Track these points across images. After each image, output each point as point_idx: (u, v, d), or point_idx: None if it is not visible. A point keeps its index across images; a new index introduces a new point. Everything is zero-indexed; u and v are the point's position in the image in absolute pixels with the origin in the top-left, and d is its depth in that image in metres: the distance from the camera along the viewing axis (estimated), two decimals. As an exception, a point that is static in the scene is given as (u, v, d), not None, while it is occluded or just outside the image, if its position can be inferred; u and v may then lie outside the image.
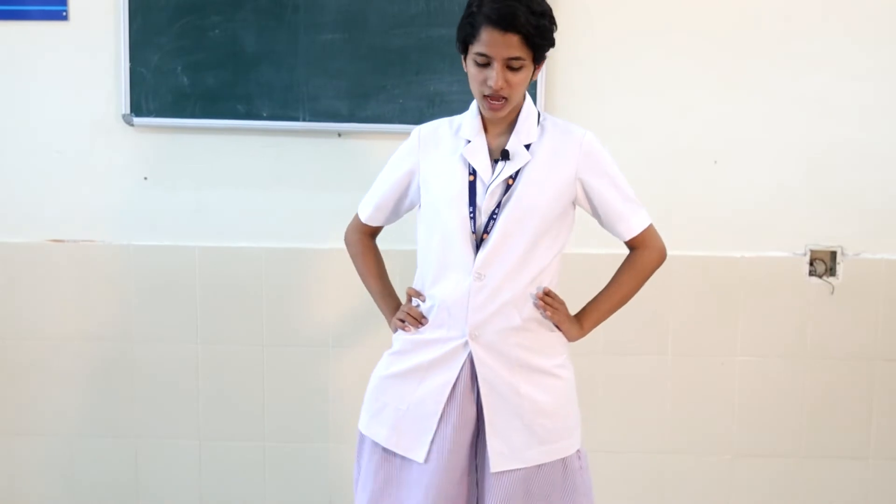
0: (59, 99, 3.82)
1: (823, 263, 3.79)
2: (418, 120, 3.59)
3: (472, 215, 2.61)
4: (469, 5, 2.55)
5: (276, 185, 3.84)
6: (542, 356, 2.67)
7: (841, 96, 3.73)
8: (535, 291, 2.65)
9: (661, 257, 2.78)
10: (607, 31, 3.73)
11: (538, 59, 2.57)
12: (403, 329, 2.74)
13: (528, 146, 2.64)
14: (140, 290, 3.88)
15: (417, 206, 2.80)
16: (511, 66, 2.51)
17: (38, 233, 3.87)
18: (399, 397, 2.71)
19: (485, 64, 2.52)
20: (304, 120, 3.76)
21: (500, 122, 2.66)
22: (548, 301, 2.65)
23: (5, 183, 3.87)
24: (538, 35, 2.51)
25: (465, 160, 2.64)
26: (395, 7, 3.68)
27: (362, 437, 2.80)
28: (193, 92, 3.75)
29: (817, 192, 3.78)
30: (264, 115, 3.76)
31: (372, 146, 3.79)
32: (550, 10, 2.55)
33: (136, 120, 3.76)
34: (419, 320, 2.70)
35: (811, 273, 3.80)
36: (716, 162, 3.77)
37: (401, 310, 2.77)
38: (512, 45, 2.48)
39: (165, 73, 3.73)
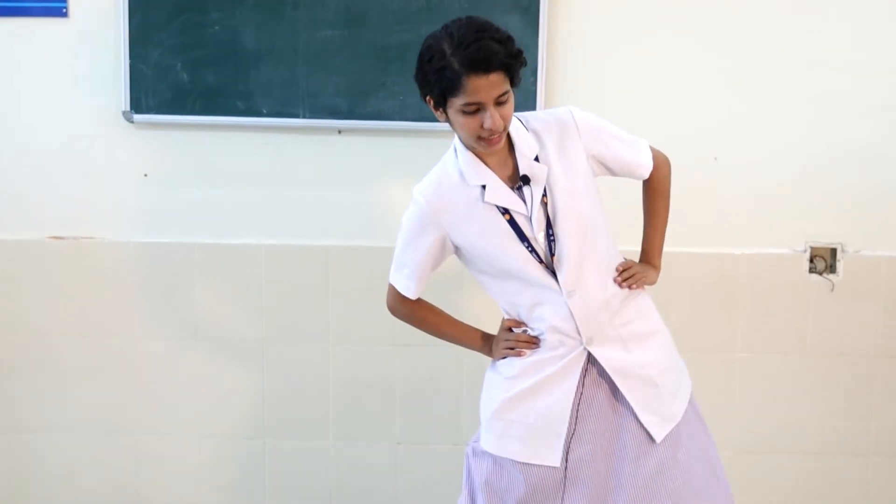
0: (58, 96, 3.82)
1: (824, 260, 3.79)
2: (419, 116, 3.70)
3: (530, 248, 2.60)
4: (430, 57, 2.48)
5: (276, 182, 3.84)
6: (640, 321, 2.74)
7: (841, 94, 3.73)
8: (610, 268, 2.72)
9: (669, 165, 2.86)
10: (608, 29, 3.73)
11: (515, 82, 2.53)
12: (518, 356, 2.73)
13: (536, 158, 2.63)
14: (140, 287, 3.89)
15: (455, 253, 2.77)
16: (500, 101, 2.47)
17: (38, 230, 3.89)
18: (525, 413, 2.71)
19: (474, 111, 2.47)
20: (304, 117, 3.76)
21: (496, 152, 2.62)
22: (626, 277, 2.73)
23: (5, 180, 3.88)
24: (515, 62, 2.48)
25: (490, 205, 2.62)
26: (395, 4, 3.68)
27: (482, 455, 2.79)
28: (193, 89, 3.75)
29: (817, 189, 3.78)
30: (264, 111, 3.76)
31: (372, 143, 3.79)
32: (508, 32, 2.51)
33: (136, 117, 3.77)
34: (532, 342, 2.71)
35: (811, 270, 3.80)
36: (716, 159, 3.78)
37: (505, 339, 2.76)
38: (496, 83, 2.44)
39: (165, 69, 3.73)
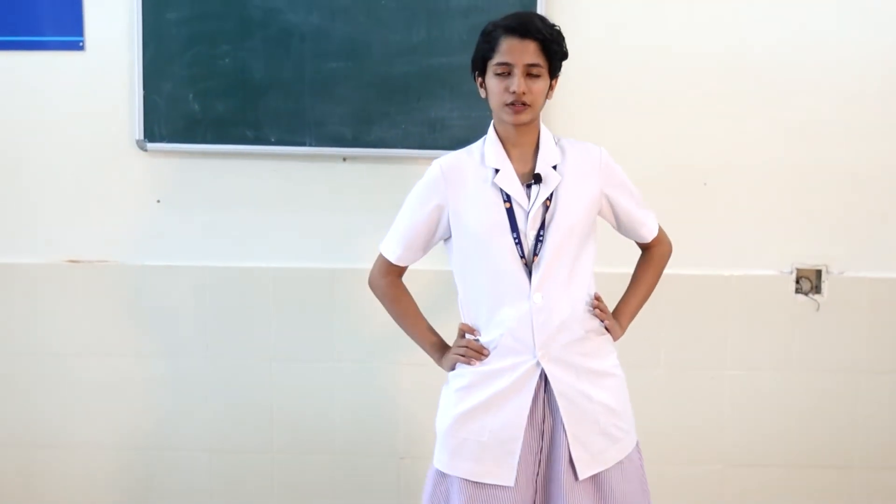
0: (75, 125, 3.84)
1: (809, 281, 3.80)
2: (420, 144, 3.72)
3: (517, 241, 2.61)
4: (484, 30, 2.63)
5: (284, 207, 3.85)
6: (599, 359, 2.71)
7: (825, 121, 3.75)
8: (587, 300, 2.70)
9: (671, 249, 2.91)
10: (604, 58, 3.76)
11: (553, 70, 2.62)
12: (467, 363, 2.70)
13: (554, 167, 2.67)
14: (152, 308, 3.91)
15: (444, 239, 2.77)
16: (531, 72, 2.55)
17: (56, 254, 3.89)
18: (479, 430, 2.67)
19: (506, 73, 2.57)
20: (310, 145, 3.77)
21: (523, 146, 2.67)
22: (602, 308, 2.73)
23: (25, 206, 3.90)
24: (554, 41, 2.58)
25: (497, 188, 2.64)
26: (397, 36, 3.70)
27: (441, 476, 2.75)
28: (204, 118, 3.77)
29: (803, 213, 3.80)
30: (272, 140, 3.77)
31: (376, 170, 3.81)
32: (559, 28, 2.64)
33: (150, 145, 3.79)
34: (481, 353, 2.67)
35: (797, 290, 3.81)
36: (706, 184, 3.79)
37: (457, 346, 2.73)
38: (530, 51, 2.55)
39: (177, 100, 3.75)
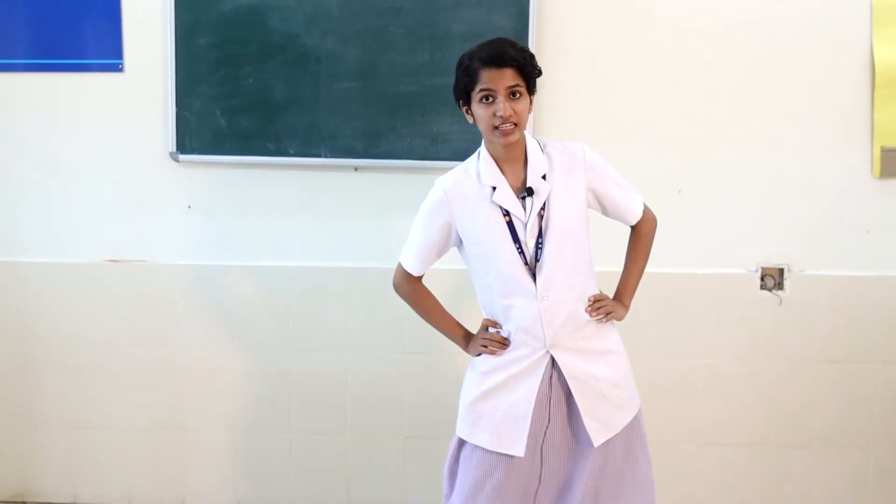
0: (115, 138, 3.88)
1: (773, 279, 3.84)
2: (424, 155, 3.71)
3: (519, 250, 2.68)
4: (460, 64, 2.66)
5: (301, 212, 3.89)
6: (602, 340, 2.80)
7: (787, 136, 3.79)
8: (588, 290, 2.77)
9: (656, 221, 2.94)
10: (587, 78, 3.78)
11: (531, 88, 2.66)
12: (490, 353, 2.78)
13: (543, 177, 2.71)
14: (184, 303, 3.94)
15: (457, 245, 2.82)
16: (512, 92, 2.59)
17: (97, 254, 3.93)
18: (494, 406, 2.76)
19: (490, 100, 2.60)
20: (325, 156, 3.80)
21: (513, 161, 2.71)
22: (597, 307, 2.77)
23: (69, 211, 3.93)
24: (527, 63, 2.62)
25: (496, 204, 2.69)
26: (403, 59, 3.74)
27: (461, 443, 2.84)
28: (230, 132, 3.80)
29: (767, 218, 3.84)
30: (291, 152, 3.80)
31: (384, 179, 3.84)
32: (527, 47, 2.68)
33: (181, 157, 3.83)
34: (503, 343, 2.76)
35: (762, 287, 3.85)
36: (680, 191, 3.84)
37: (480, 338, 2.81)
38: (508, 76, 2.58)
39: (206, 116, 3.79)
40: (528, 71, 2.63)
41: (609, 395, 2.77)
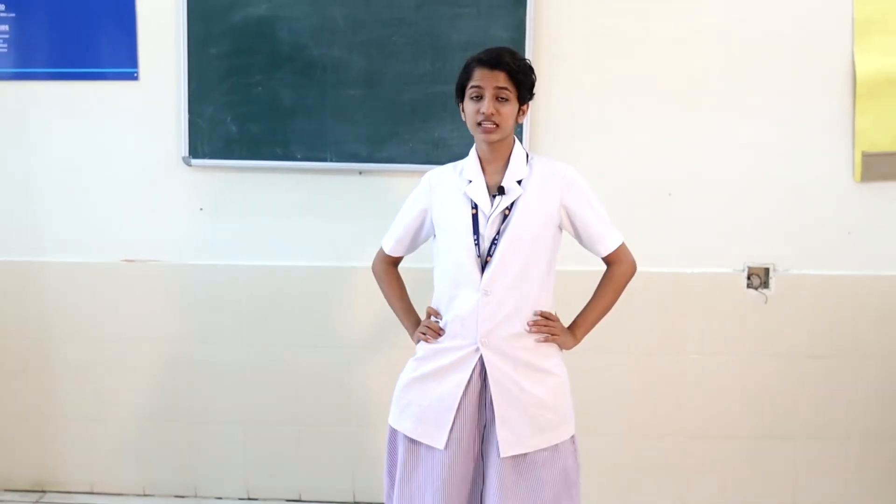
0: (130, 144, 3.92)
1: (759, 278, 3.87)
2: (426, 160, 3.73)
3: (476, 242, 2.69)
4: (462, 67, 2.75)
5: (308, 214, 3.93)
6: (540, 357, 2.75)
7: (773, 142, 3.83)
8: (536, 303, 2.73)
9: (633, 269, 2.86)
10: (581, 86, 3.82)
11: (522, 98, 2.69)
12: (425, 340, 2.82)
13: (519, 182, 2.73)
14: (196, 301, 3.99)
15: (432, 237, 2.88)
16: (500, 96, 2.63)
17: (113, 254, 3.97)
18: (422, 395, 2.77)
19: (478, 97, 2.65)
20: (330, 161, 3.84)
21: (496, 162, 2.74)
22: (540, 324, 2.73)
23: (87, 213, 3.96)
24: (520, 71, 2.66)
25: (468, 197, 2.74)
26: (406, 67, 3.79)
27: (392, 431, 2.86)
28: (240, 138, 3.84)
29: (753, 219, 3.87)
30: (298, 156, 3.84)
31: (387, 182, 3.88)
32: (528, 61, 2.73)
33: (194, 161, 3.87)
34: (438, 332, 2.78)
35: (748, 286, 3.88)
36: (670, 194, 3.87)
37: (422, 324, 2.85)
38: (499, 79, 2.63)
39: (217, 122, 3.84)
40: (520, 78, 2.67)
41: (532, 413, 2.71)
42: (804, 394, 3.93)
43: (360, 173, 3.90)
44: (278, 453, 4.07)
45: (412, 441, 2.79)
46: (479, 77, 2.65)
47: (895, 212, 3.87)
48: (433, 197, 2.83)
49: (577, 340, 2.84)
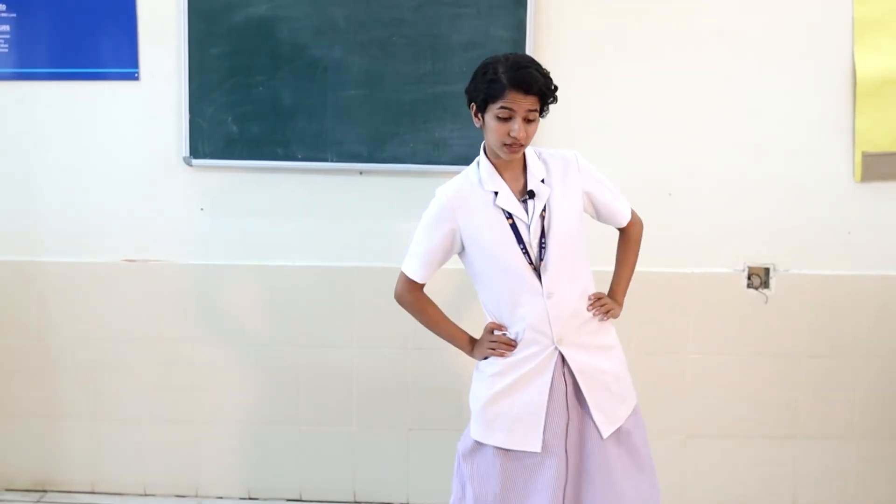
0: (131, 144, 3.92)
1: (759, 278, 3.87)
2: (427, 160, 3.76)
3: (524, 250, 2.71)
4: (485, 71, 2.66)
5: (309, 214, 3.93)
6: (602, 336, 2.85)
7: (773, 142, 3.83)
8: (588, 287, 2.82)
9: (643, 225, 3.02)
10: (582, 87, 3.81)
11: (543, 112, 2.71)
12: (500, 356, 2.79)
13: (542, 181, 2.76)
14: (197, 301, 3.98)
15: (458, 252, 2.83)
16: (528, 118, 2.64)
17: (114, 254, 3.97)
18: (509, 406, 2.77)
19: (507, 118, 2.63)
20: (331, 161, 3.84)
21: (513, 168, 2.76)
22: (598, 304, 2.83)
23: (88, 213, 3.96)
24: (549, 94, 2.68)
25: (500, 208, 2.73)
26: (406, 68, 3.79)
27: (477, 445, 2.84)
28: (241, 138, 3.84)
29: (754, 219, 3.87)
30: (299, 157, 3.84)
31: (388, 182, 3.88)
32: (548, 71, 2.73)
33: (194, 161, 3.87)
34: (511, 345, 2.78)
35: (749, 286, 3.88)
36: (670, 194, 3.87)
37: (487, 341, 2.82)
38: (531, 102, 2.63)
39: (218, 122, 3.83)
40: (547, 98, 2.69)
41: (613, 388, 2.82)
42: (804, 394, 3.93)
43: (361, 173, 3.90)
44: (278, 453, 4.06)
45: (506, 451, 2.80)
46: (512, 100, 2.63)
47: (895, 212, 3.87)
48: (458, 216, 2.77)
49: (621, 306, 2.97)
